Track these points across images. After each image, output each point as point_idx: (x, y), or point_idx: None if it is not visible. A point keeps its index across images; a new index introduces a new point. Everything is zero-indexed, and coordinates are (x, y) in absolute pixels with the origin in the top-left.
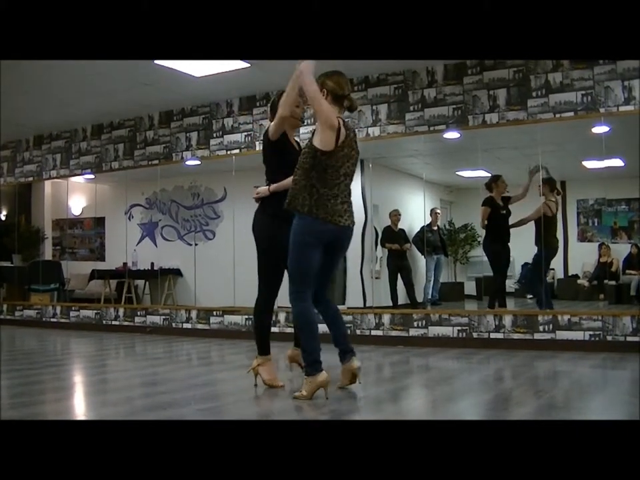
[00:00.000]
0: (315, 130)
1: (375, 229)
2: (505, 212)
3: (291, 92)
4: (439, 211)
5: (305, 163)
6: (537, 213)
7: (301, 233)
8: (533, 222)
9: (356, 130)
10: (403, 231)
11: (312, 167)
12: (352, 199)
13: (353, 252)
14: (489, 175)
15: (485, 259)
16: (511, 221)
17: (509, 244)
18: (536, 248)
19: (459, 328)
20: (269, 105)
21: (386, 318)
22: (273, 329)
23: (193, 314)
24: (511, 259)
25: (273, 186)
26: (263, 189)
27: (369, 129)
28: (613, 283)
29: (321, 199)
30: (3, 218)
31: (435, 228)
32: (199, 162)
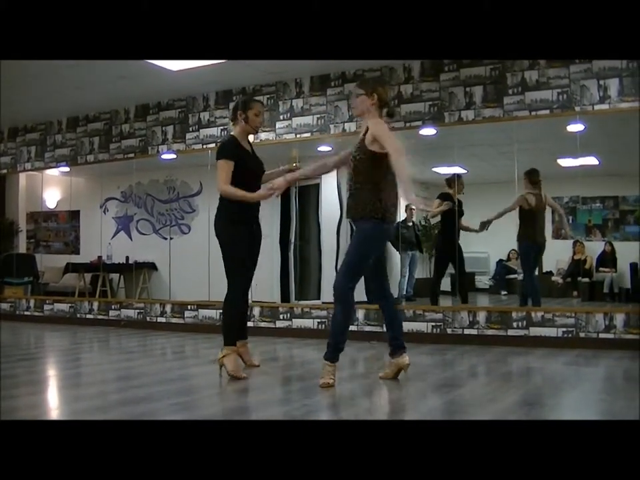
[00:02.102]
0: (370, 138)
1: (350, 224)
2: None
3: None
4: (413, 207)
5: (364, 169)
6: (515, 204)
7: (372, 238)
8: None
9: (331, 125)
10: None
11: (374, 169)
12: (328, 193)
13: (328, 247)
14: (465, 171)
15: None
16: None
17: (453, 242)
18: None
19: (433, 324)
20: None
21: (360, 313)
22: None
23: (168, 308)
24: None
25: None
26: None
27: (346, 124)
28: (587, 280)
29: (387, 200)
30: None
31: (410, 224)
32: (174, 156)
